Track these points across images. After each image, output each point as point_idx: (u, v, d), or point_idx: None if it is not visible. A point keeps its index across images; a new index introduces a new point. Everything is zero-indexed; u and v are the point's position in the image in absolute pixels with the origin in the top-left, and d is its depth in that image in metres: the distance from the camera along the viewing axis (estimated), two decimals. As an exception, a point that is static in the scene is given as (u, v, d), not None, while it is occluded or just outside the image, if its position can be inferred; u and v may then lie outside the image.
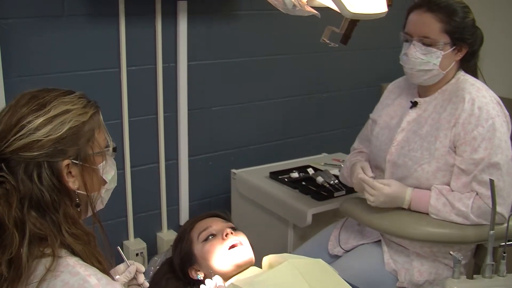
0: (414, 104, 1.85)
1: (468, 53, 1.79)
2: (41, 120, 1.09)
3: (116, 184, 1.28)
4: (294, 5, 1.24)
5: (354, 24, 1.45)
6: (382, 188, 1.77)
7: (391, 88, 2.03)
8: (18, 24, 2.18)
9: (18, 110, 1.11)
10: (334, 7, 1.22)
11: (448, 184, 1.76)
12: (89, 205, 1.19)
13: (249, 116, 2.91)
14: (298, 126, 3.10)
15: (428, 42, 1.73)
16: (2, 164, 1.08)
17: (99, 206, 1.25)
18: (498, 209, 1.66)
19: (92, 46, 2.36)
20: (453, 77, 1.81)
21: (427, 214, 1.77)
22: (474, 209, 1.70)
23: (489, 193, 1.58)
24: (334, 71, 3.14)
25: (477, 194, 1.71)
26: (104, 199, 1.26)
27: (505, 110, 1.77)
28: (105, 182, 1.22)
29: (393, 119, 1.92)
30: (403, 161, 1.81)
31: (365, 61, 3.22)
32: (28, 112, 1.10)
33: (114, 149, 1.24)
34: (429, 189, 1.77)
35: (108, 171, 1.23)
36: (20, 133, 1.08)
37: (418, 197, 1.78)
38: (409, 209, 1.80)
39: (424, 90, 1.85)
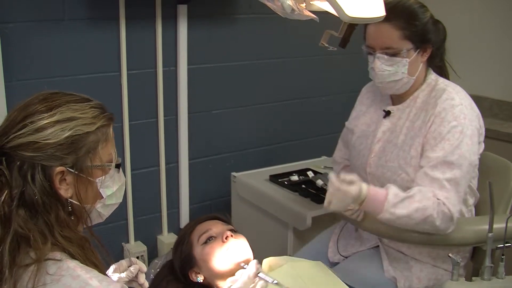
0: (387, 113, 1.82)
1: (433, 50, 1.75)
2: (44, 122, 1.09)
3: (120, 200, 1.24)
4: (293, 9, 1.25)
5: (353, 28, 1.47)
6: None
7: (364, 92, 1.99)
8: (19, 28, 2.19)
9: (27, 109, 1.11)
10: (332, 11, 1.23)
11: None
12: (84, 216, 1.16)
13: (249, 119, 2.92)
14: (298, 129, 3.11)
15: (391, 52, 1.69)
16: (3, 158, 1.08)
17: (98, 219, 1.22)
18: (454, 209, 1.63)
19: (92, 50, 2.37)
20: (424, 79, 1.78)
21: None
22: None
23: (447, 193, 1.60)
24: (334, 74, 3.15)
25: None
26: (103, 214, 1.21)
27: (477, 111, 1.74)
28: (101, 197, 1.18)
29: (370, 127, 1.89)
30: (382, 172, 1.78)
31: (364, 65, 3.21)
32: (35, 112, 1.10)
33: (118, 166, 1.20)
34: None
35: (109, 186, 1.19)
36: (20, 132, 1.08)
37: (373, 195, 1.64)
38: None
39: (397, 96, 1.82)
